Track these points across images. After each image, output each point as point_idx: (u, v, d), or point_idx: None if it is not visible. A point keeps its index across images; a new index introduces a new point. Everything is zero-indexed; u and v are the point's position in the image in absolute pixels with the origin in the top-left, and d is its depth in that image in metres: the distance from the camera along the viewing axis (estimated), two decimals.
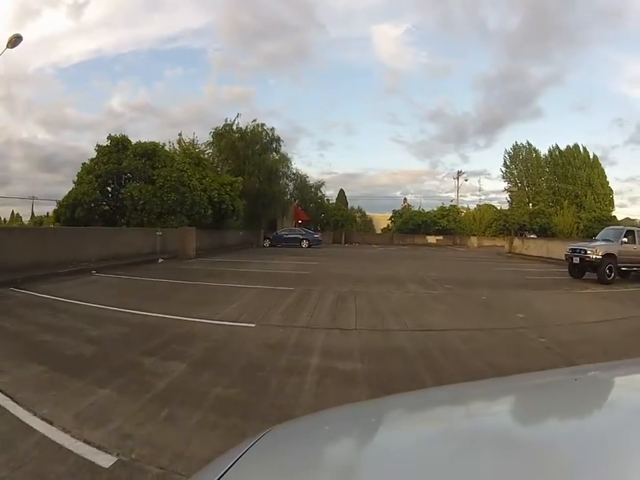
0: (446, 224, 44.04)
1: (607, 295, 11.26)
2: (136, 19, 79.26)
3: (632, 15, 72.60)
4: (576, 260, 14.32)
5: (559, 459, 0.68)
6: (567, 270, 15.00)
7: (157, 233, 17.73)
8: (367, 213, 52.72)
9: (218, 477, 0.71)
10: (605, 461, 0.67)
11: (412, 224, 44.47)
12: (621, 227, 16.77)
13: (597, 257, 13.49)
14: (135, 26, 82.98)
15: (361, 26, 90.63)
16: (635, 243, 14.20)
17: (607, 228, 16.92)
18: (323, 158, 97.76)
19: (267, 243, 29.97)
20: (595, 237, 16.52)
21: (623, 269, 14.00)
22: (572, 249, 14.77)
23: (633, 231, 14.75)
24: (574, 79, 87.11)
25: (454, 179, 52.12)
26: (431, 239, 43.29)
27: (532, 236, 38.81)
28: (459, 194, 51.57)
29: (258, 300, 8.63)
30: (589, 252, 13.79)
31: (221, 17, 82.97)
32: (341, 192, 55.67)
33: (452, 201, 50.52)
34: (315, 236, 31.23)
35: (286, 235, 30.95)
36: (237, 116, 31.02)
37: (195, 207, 20.74)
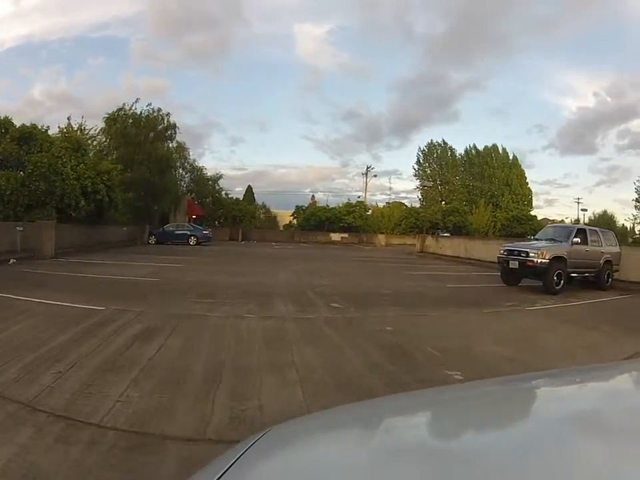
0: (352, 221, 41.69)
1: (567, 312, 8.36)
2: (72, 3, 75.73)
3: (558, 26, 76.81)
4: (514, 264, 11.07)
5: (560, 458, 0.68)
6: (499, 275, 12.02)
7: (17, 228, 15.56)
8: (272, 210, 51.03)
9: (218, 476, 0.70)
10: (605, 461, 0.68)
11: (315, 220, 41.98)
12: (569, 224, 13.73)
13: (544, 260, 10.34)
14: (68, 11, 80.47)
15: (285, 23, 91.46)
16: (586, 243, 11.39)
17: (549, 225, 14.18)
18: (234, 154, 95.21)
19: (152, 240, 26.57)
20: (534, 236, 13.43)
21: (572, 275, 11.06)
22: (508, 250, 11.49)
23: (584, 230, 12.03)
24: (495, 84, 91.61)
25: (362, 174, 50.71)
26: (336, 237, 40.70)
27: (445, 234, 37.61)
28: (369, 192, 50.12)
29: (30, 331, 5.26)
30: (532, 254, 10.57)
31: (148, 4, 79.66)
32: (249, 188, 54.14)
33: (359, 197, 48.41)
34: (204, 232, 28.10)
35: (173, 231, 27.61)
36: (135, 101, 27.79)
37: (65, 198, 18.05)
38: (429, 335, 5.84)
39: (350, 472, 0.71)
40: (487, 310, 8.07)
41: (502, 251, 11.66)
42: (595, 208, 66.87)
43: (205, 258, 18.43)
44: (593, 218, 42.53)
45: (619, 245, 13.15)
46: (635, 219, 36.90)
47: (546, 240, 11.73)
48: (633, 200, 36.43)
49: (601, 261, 11.70)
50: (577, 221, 42.15)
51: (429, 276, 13.95)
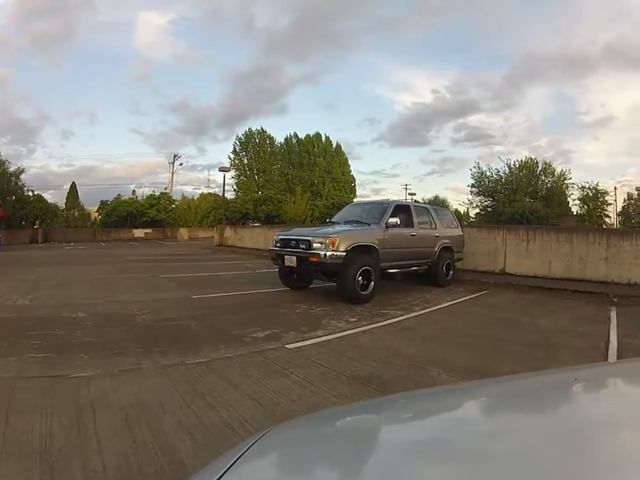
0: (155, 214, 37.54)
1: (363, 349, 4.24)
2: None
3: (400, 26, 79.23)
4: (291, 260, 6.95)
5: (560, 458, 0.66)
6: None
7: None
8: (87, 208, 44.94)
9: (218, 476, 0.69)
10: (605, 461, 0.65)
11: (117, 216, 37.53)
12: (382, 200, 9.69)
13: (336, 253, 6.40)
14: None
15: (132, 11, 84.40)
16: (411, 225, 7.98)
17: (355, 204, 10.25)
18: (64, 149, 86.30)
19: None
20: (331, 219, 9.16)
21: (389, 270, 7.52)
22: (283, 239, 7.30)
23: (408, 207, 8.45)
24: (330, 79, 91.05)
25: (169, 163, 46.56)
26: (139, 233, 36.73)
27: (256, 224, 34.17)
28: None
29: None
30: (316, 245, 6.53)
31: None
32: (73, 185, 49.09)
33: (166, 188, 44.27)
34: None
35: None
36: None
37: None
38: None
39: (350, 472, 0.71)
40: (201, 358, 3.86)
41: (275, 242, 7.45)
42: (425, 194, 71.50)
43: None
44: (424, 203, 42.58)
45: (461, 227, 10.10)
46: (471, 203, 37.11)
47: (347, 223, 7.80)
48: (468, 186, 36.91)
49: (436, 249, 8.41)
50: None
51: (190, 280, 9.50)
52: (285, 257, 6.87)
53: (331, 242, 6.27)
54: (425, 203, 24.50)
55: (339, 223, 7.81)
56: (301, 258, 6.58)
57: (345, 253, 6.31)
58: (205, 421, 2.53)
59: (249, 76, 77.82)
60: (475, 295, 7.92)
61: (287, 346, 4.26)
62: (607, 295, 8.10)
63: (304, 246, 6.56)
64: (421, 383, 3.29)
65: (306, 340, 4.51)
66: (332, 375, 3.44)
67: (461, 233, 9.63)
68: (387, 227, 7.16)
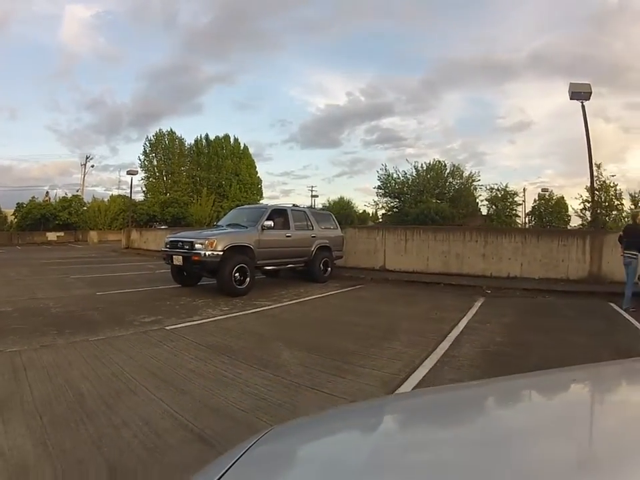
0: (67, 217, 37.42)
1: (229, 330, 5.42)
2: None
3: (320, 30, 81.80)
4: (178, 260, 8.04)
5: (558, 459, 0.66)
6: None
7: None
8: (4, 210, 42.97)
9: (218, 476, 0.70)
10: (604, 461, 0.66)
11: (31, 219, 36.91)
12: (262, 204, 10.93)
13: (214, 252, 7.59)
14: None
15: (58, 2, 77.08)
16: (287, 227, 9.22)
17: (239, 208, 11.36)
18: None
19: None
20: (217, 222, 10.20)
21: (267, 268, 8.88)
22: (172, 241, 8.38)
23: (284, 210, 9.57)
24: (246, 79, 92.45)
25: (82, 165, 46.38)
26: (52, 236, 36.13)
27: (163, 227, 34.50)
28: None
29: None
30: (198, 246, 7.67)
31: None
32: None
33: (77, 190, 43.67)
34: None
35: None
36: None
37: None
38: None
39: (350, 472, 0.71)
40: (96, 336, 4.91)
41: (167, 242, 8.54)
42: (333, 196, 72.65)
43: None
44: (328, 204, 42.92)
45: (340, 228, 11.60)
46: (377, 204, 38.03)
47: (229, 225, 9.07)
48: (374, 188, 37.65)
49: (313, 248, 9.64)
50: (310, 207, 43.65)
51: (96, 280, 10.20)
52: (174, 256, 7.96)
53: (210, 243, 7.45)
54: (329, 210, 25.79)
55: (223, 226, 8.99)
56: (186, 257, 7.71)
57: (222, 252, 7.50)
58: (99, 372, 3.65)
59: (166, 74, 76.81)
60: (347, 289, 9.16)
61: (166, 327, 5.35)
62: (480, 288, 9.30)
63: (188, 247, 7.68)
64: (260, 352, 4.39)
65: (182, 323, 5.62)
66: (194, 345, 4.60)
67: (341, 234, 11.01)
68: (263, 229, 8.36)
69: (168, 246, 8.21)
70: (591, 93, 15.43)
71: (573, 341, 5.08)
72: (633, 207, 27.76)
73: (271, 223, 8.50)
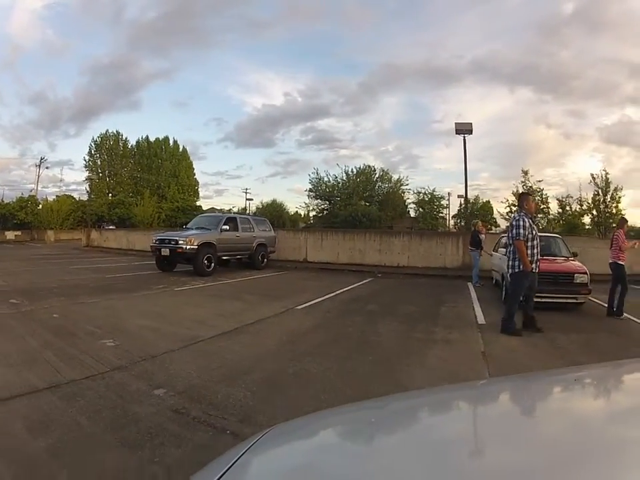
0: (24, 217, 39.18)
1: (214, 290, 9.49)
2: None
3: (262, 29, 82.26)
4: (165, 252, 11.71)
5: (558, 459, 0.67)
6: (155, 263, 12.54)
7: None
8: None
9: (218, 476, 0.71)
10: (604, 461, 0.66)
11: None
12: (220, 214, 15.14)
13: (192, 246, 11.33)
14: None
15: None
16: (237, 230, 13.04)
17: (202, 215, 15.62)
18: None
19: None
20: (186, 225, 13.86)
21: (224, 257, 12.61)
22: (159, 239, 12.06)
23: (235, 218, 13.67)
24: (184, 76, 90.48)
25: (36, 166, 47.46)
26: (10, 235, 37.83)
27: (111, 227, 37.24)
28: (40, 184, 47.18)
29: None
30: (181, 242, 11.41)
31: None
32: None
33: (32, 191, 45.15)
34: None
35: None
36: None
37: None
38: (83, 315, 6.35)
39: (350, 472, 0.72)
40: (137, 294, 8.37)
41: (154, 240, 12.13)
42: (266, 197, 73.85)
43: None
44: (260, 207, 45.38)
45: (274, 230, 15.44)
46: (308, 206, 40.13)
47: (197, 228, 12.73)
48: (305, 190, 39.78)
49: (254, 245, 13.49)
50: (244, 209, 45.48)
51: (92, 269, 13.11)
52: (162, 249, 11.52)
53: (189, 240, 11.24)
54: (262, 212, 29.45)
55: (192, 229, 12.76)
56: (171, 249, 11.34)
57: (197, 247, 11.23)
58: (156, 305, 7.54)
59: (107, 68, 76.27)
60: (278, 273, 13.20)
61: (174, 289, 9.12)
62: (374, 273, 13.30)
63: (173, 242, 11.29)
64: (234, 296, 8.57)
65: (182, 287, 9.38)
66: (196, 295, 8.51)
67: (274, 235, 15.18)
68: (221, 231, 12.30)
69: (156, 242, 11.82)
70: (471, 130, 21.07)
71: (415, 293, 9.54)
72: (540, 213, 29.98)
73: (227, 226, 12.43)
